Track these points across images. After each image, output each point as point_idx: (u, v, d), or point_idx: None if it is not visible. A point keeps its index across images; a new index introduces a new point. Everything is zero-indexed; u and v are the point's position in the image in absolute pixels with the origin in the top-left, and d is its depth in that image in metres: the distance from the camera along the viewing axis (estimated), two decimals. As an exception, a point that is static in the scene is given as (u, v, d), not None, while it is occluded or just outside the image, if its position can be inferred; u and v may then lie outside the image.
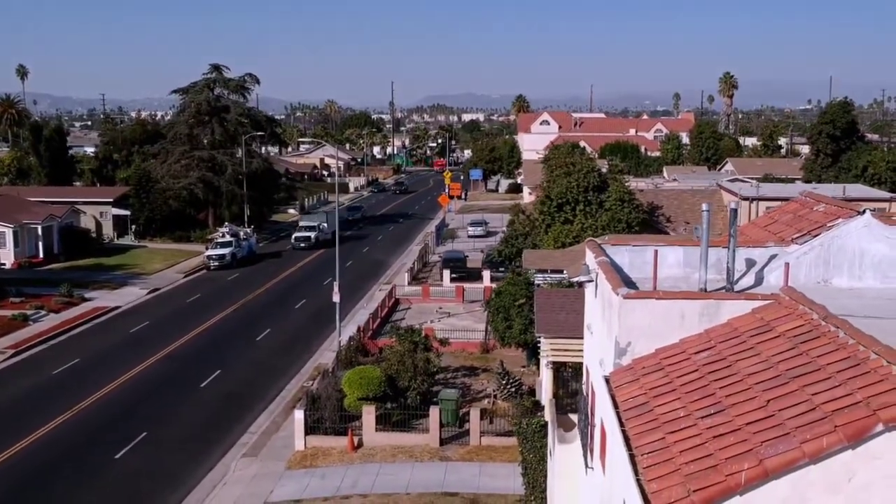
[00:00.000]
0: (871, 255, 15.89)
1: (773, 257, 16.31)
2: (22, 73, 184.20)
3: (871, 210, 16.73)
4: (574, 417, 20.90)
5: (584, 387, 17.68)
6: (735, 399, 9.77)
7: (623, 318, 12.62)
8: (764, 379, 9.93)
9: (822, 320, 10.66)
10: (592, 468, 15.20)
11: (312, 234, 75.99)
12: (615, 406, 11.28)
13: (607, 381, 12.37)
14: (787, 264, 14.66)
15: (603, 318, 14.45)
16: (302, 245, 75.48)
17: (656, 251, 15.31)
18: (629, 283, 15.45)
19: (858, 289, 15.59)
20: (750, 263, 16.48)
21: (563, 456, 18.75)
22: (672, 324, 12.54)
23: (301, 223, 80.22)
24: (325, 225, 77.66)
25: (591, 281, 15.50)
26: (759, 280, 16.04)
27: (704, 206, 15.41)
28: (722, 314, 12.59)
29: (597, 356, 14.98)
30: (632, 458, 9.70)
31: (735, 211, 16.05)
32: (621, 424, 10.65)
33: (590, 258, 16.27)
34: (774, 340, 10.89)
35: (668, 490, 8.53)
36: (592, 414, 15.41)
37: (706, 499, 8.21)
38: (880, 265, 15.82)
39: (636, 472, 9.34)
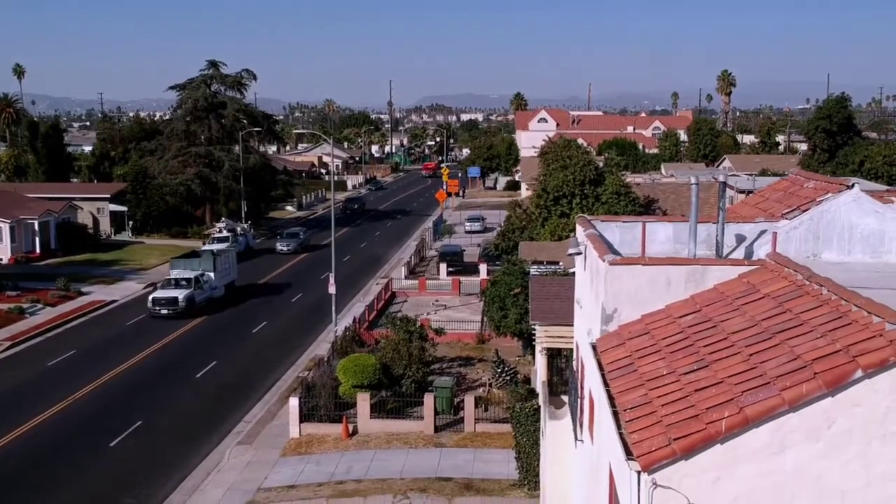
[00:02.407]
0: (860, 229, 15.92)
1: (762, 232, 16.35)
2: (19, 72, 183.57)
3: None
4: (565, 399, 20.93)
5: (574, 363, 17.71)
6: (718, 356, 9.80)
7: (609, 284, 12.64)
8: (748, 336, 9.95)
9: (807, 280, 10.68)
10: (582, 441, 15.22)
11: (181, 295, 47.73)
12: (601, 368, 11.30)
13: (594, 347, 12.39)
14: (774, 234, 14.70)
15: (591, 288, 14.48)
16: (163, 312, 47.30)
17: (644, 224, 15.34)
18: (618, 257, 15.50)
19: (847, 262, 15.62)
20: (740, 239, 16.52)
21: (554, 433, 18.77)
22: (658, 290, 12.56)
23: (171, 272, 51.09)
24: (212, 276, 51.14)
25: (579, 253, 15.52)
26: (748, 254, 16.06)
27: (693, 180, 15.45)
28: (708, 280, 12.61)
29: (585, 328, 15.00)
30: (615, 414, 9.72)
31: (724, 185, 16.10)
32: (606, 385, 10.67)
33: (579, 232, 16.30)
34: (760, 301, 10.91)
35: (650, 440, 8.55)
36: (582, 387, 15.44)
37: (687, 447, 8.23)
38: (869, 239, 15.86)
39: (619, 427, 9.35)
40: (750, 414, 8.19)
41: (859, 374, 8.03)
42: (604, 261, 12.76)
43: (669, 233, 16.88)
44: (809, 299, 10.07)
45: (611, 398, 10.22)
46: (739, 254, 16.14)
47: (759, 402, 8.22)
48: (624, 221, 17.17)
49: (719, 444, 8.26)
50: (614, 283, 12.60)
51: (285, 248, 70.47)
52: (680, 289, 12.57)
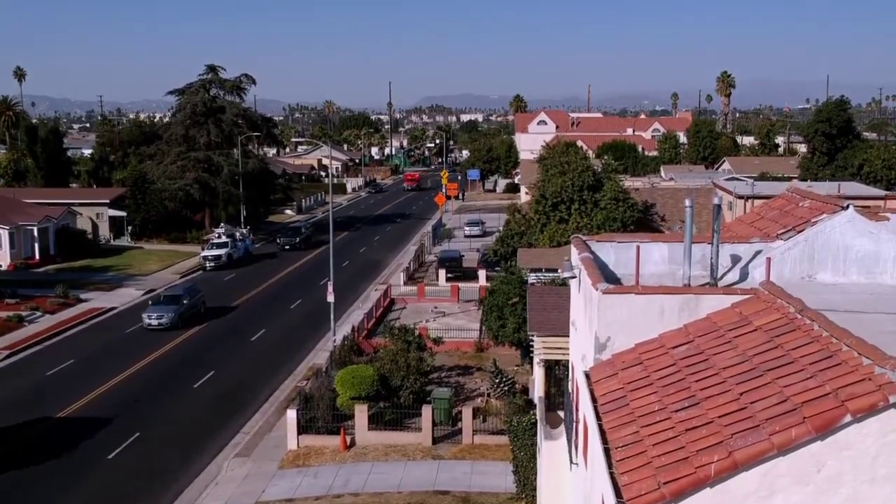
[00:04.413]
0: (855, 251, 15.90)
1: (757, 253, 16.33)
2: (20, 74, 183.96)
3: (862, 207, 16.74)
4: (562, 414, 20.92)
5: (569, 383, 17.70)
6: (709, 392, 9.79)
7: (603, 312, 12.62)
8: (739, 372, 9.94)
9: (798, 313, 10.67)
10: (577, 464, 15.22)
11: None
12: (593, 401, 11.29)
13: (587, 376, 12.38)
14: (768, 259, 14.68)
15: (585, 314, 14.47)
16: None
17: (638, 247, 15.31)
18: (614, 280, 15.46)
19: (842, 284, 15.60)
20: (735, 259, 16.50)
21: (550, 452, 18.76)
22: (652, 318, 12.54)
23: None
24: None
25: (573, 277, 15.50)
26: (743, 276, 16.06)
27: (687, 202, 15.40)
28: (701, 309, 12.59)
29: (580, 352, 14.99)
30: (606, 451, 9.71)
31: (718, 207, 16.07)
32: (598, 418, 10.67)
33: (574, 254, 16.28)
34: (751, 334, 10.90)
35: (640, 483, 8.54)
36: (577, 410, 15.43)
37: (676, 491, 8.23)
38: (864, 260, 15.84)
39: (609, 466, 9.35)
40: (739, 458, 8.18)
41: (848, 418, 8.03)
42: (597, 289, 12.75)
43: (664, 253, 16.83)
44: (800, 335, 10.06)
45: (602, 433, 10.22)
46: (734, 275, 16.13)
47: (749, 446, 8.22)
48: (619, 241, 17.11)
49: (709, 487, 8.25)
50: (607, 312, 12.59)
51: (155, 323, 46.93)
52: (674, 317, 12.55)
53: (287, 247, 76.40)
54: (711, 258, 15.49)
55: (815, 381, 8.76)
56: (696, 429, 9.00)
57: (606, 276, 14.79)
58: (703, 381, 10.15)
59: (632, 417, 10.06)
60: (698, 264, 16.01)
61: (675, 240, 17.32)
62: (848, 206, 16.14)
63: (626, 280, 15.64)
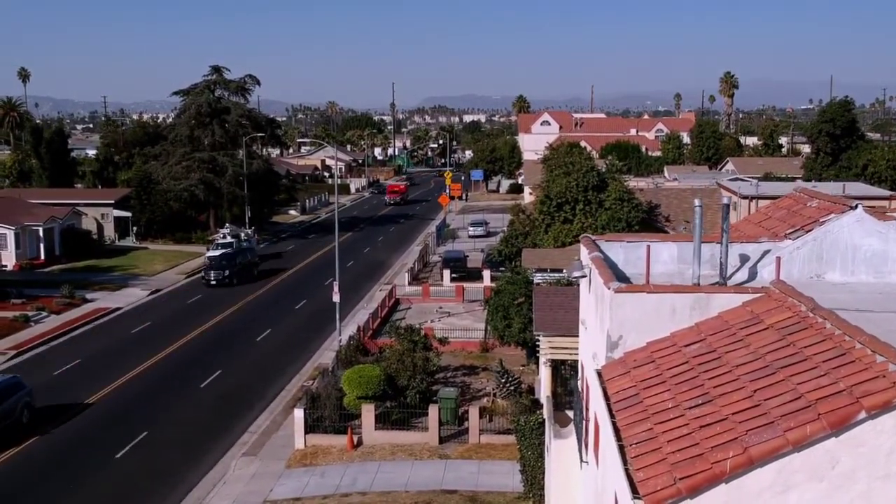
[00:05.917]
0: (863, 250, 15.97)
1: (766, 252, 16.40)
2: (24, 75, 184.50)
3: (868, 207, 16.80)
4: (571, 414, 21.00)
5: (579, 382, 17.78)
6: (723, 390, 9.87)
7: (614, 311, 12.71)
8: (752, 370, 10.02)
9: (810, 312, 10.75)
10: (587, 462, 15.30)
11: None
12: (606, 398, 11.38)
13: (599, 374, 12.46)
14: (777, 258, 14.76)
15: (596, 313, 14.55)
16: None
17: (648, 246, 15.39)
18: (623, 279, 15.55)
19: (851, 283, 15.67)
20: (743, 259, 16.58)
21: (560, 451, 18.84)
22: (663, 317, 12.63)
23: None
24: None
25: (584, 276, 15.59)
26: (752, 275, 16.13)
27: (696, 202, 15.49)
28: (712, 307, 12.68)
29: (590, 350, 15.07)
30: (621, 448, 9.80)
31: (727, 206, 16.13)
32: (611, 416, 10.75)
33: (583, 254, 16.37)
34: (763, 332, 10.98)
35: (655, 479, 8.63)
36: (587, 408, 15.51)
37: (692, 486, 8.31)
38: (872, 260, 15.91)
39: (625, 462, 9.44)
40: (754, 454, 8.26)
41: (863, 415, 8.11)
42: (609, 288, 12.84)
43: (674, 252, 16.91)
44: (812, 333, 10.14)
45: (616, 430, 10.30)
46: (743, 274, 16.20)
47: (764, 442, 8.30)
48: (628, 241, 17.20)
49: (724, 483, 8.34)
50: (619, 311, 12.68)
51: None
52: (685, 316, 12.64)
53: (213, 282, 57.21)
54: (720, 258, 15.57)
55: (828, 379, 8.84)
56: (711, 425, 9.09)
57: (616, 276, 14.88)
58: (716, 378, 10.23)
59: (645, 415, 10.14)
60: (707, 264, 16.08)
61: (684, 239, 17.42)
62: (857, 206, 16.22)
63: (635, 279, 15.72)
